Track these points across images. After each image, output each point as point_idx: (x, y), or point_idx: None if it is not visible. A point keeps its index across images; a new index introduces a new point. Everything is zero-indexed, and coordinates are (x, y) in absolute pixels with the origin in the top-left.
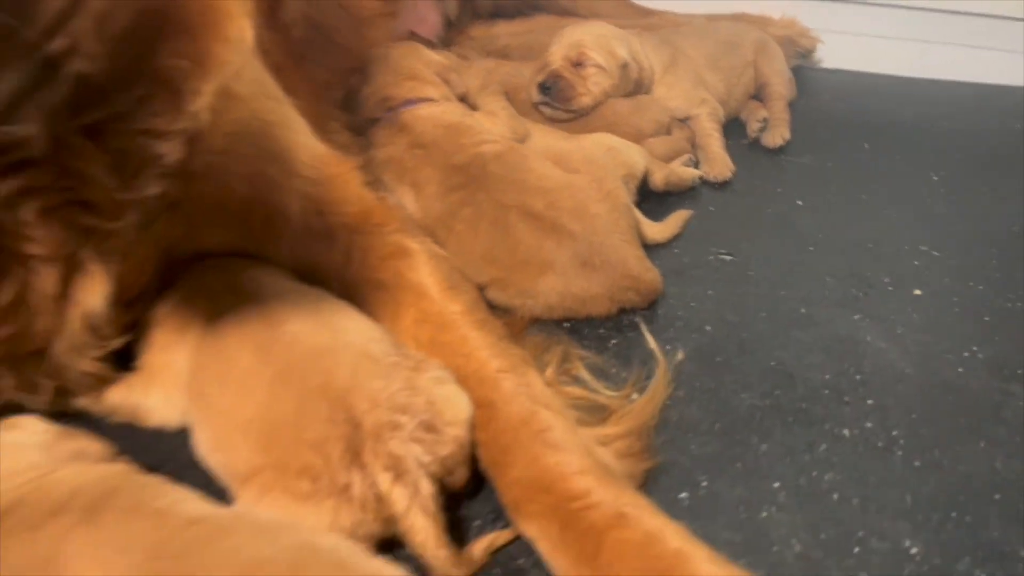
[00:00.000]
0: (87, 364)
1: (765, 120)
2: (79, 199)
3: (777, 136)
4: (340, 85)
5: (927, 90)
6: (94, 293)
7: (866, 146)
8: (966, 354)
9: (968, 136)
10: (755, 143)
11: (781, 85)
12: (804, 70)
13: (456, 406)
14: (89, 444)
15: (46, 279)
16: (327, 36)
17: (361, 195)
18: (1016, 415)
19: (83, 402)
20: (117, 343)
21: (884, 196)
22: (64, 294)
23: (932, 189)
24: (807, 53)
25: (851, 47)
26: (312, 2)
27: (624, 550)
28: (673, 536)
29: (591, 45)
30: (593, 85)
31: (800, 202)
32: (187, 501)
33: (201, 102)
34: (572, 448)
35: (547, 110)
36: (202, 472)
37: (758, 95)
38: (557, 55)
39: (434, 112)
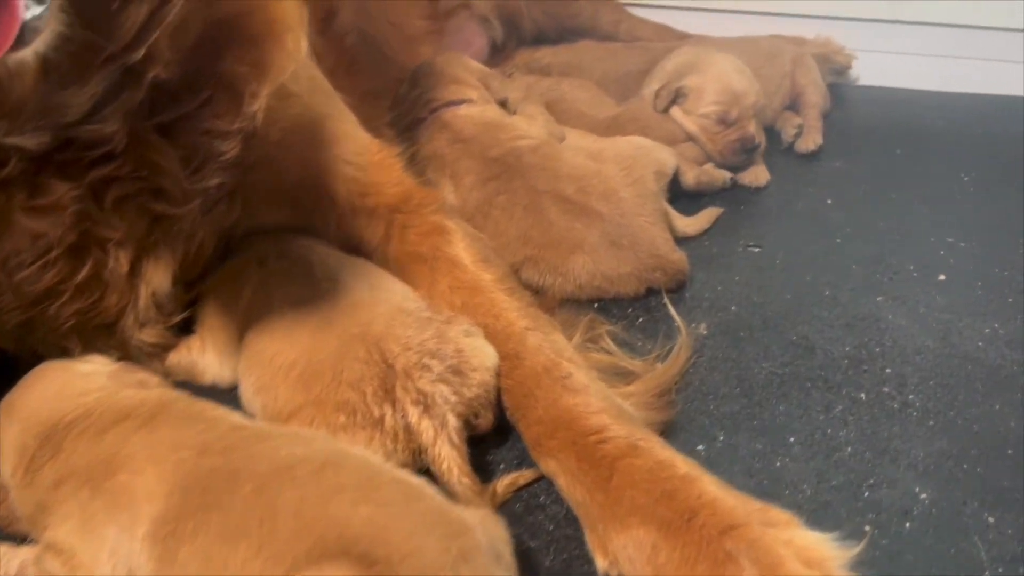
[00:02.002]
0: (151, 335)
1: (800, 127)
2: (151, 188)
3: (810, 141)
4: (388, 93)
5: (960, 102)
6: (161, 273)
7: (898, 151)
8: (987, 330)
9: (1000, 142)
10: (789, 150)
11: (816, 95)
12: (840, 87)
13: (482, 354)
14: (150, 377)
15: (119, 259)
16: (378, 48)
17: (402, 179)
18: None
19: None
20: (179, 318)
21: (914, 194)
22: (134, 273)
23: (962, 188)
24: (843, 70)
25: (886, 64)
26: (364, 17)
27: (635, 475)
28: (682, 464)
29: (755, 88)
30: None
31: (830, 200)
32: (233, 414)
33: (258, 104)
34: (592, 392)
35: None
36: None
37: (793, 105)
38: (749, 112)
39: (473, 112)
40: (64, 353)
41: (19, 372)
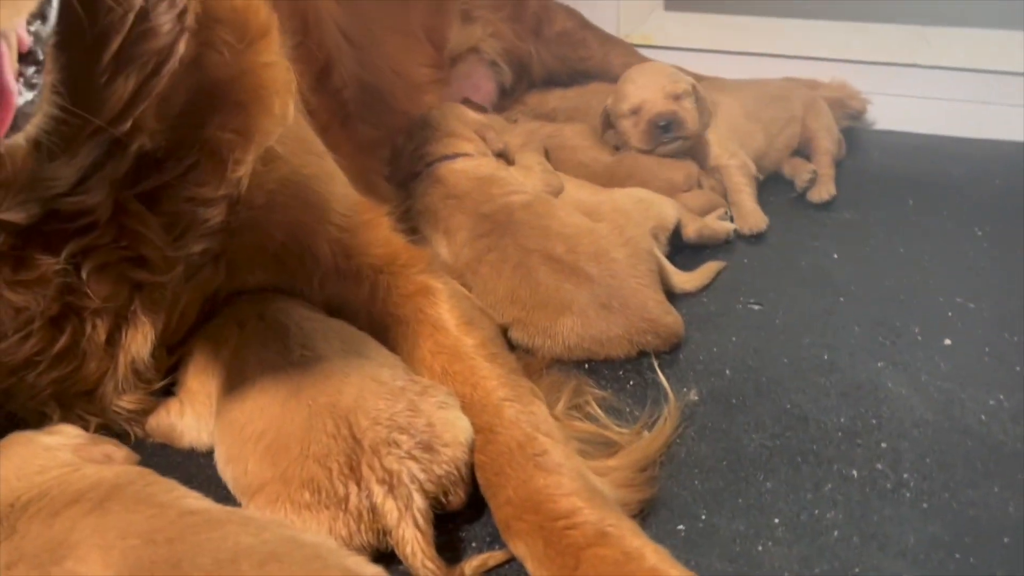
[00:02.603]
0: (130, 402)
1: (813, 174)
2: (132, 256)
3: (823, 191)
4: (389, 142)
5: (979, 149)
6: (141, 341)
7: (911, 202)
8: (992, 402)
9: (1018, 192)
10: (798, 199)
11: (828, 141)
12: (856, 131)
13: (455, 428)
14: (116, 449)
15: (97, 328)
16: (381, 98)
17: (389, 238)
18: None
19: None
20: (159, 384)
21: (924, 249)
22: (112, 342)
23: (975, 243)
24: (857, 115)
25: (903, 108)
26: (367, 67)
27: (600, 567)
28: (651, 555)
29: (671, 76)
30: (693, 112)
31: (836, 255)
32: (188, 497)
33: (244, 169)
34: (565, 472)
35: (665, 148)
36: (224, 488)
37: (805, 151)
38: (656, 95)
39: (468, 166)
40: (43, 419)
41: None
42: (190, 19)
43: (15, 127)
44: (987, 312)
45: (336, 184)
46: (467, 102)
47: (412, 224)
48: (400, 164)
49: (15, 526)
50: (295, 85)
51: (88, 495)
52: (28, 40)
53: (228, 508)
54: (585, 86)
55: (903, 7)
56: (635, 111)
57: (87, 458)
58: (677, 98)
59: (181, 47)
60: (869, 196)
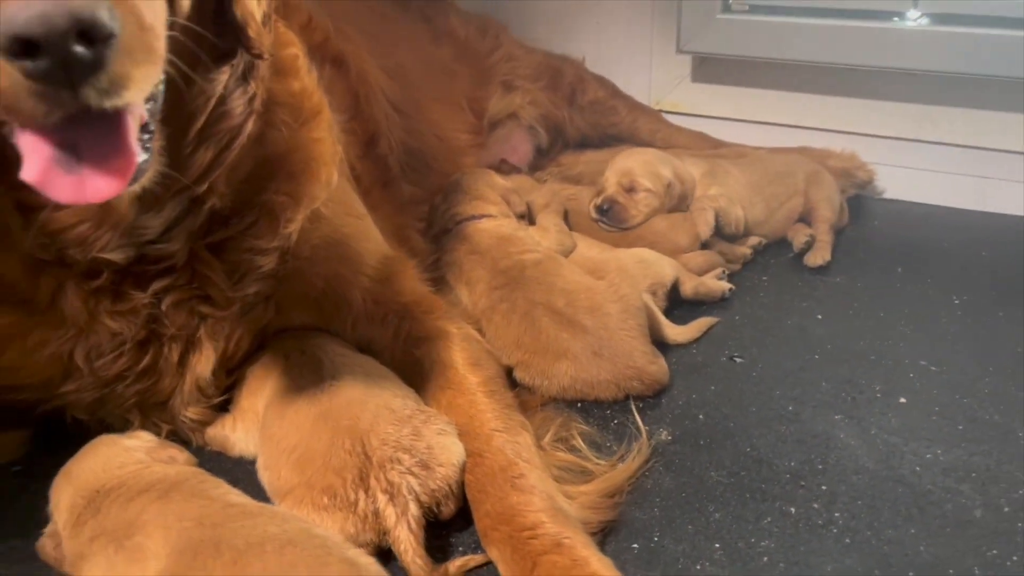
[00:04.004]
0: (194, 413)
1: (810, 238)
2: (200, 295)
3: (818, 257)
4: (428, 199)
5: (975, 220)
6: (204, 363)
7: (899, 270)
8: (928, 456)
9: (1004, 266)
10: (795, 262)
11: (827, 210)
12: (863, 199)
13: (450, 452)
14: (179, 453)
15: (172, 352)
16: (424, 162)
17: (413, 288)
18: (956, 510)
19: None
20: (218, 400)
21: (902, 314)
22: (183, 363)
23: (950, 311)
24: (864, 184)
25: (907, 180)
26: (412, 134)
27: (553, 570)
28: (595, 563)
29: (640, 172)
30: (644, 206)
31: (819, 316)
32: (231, 494)
33: (292, 227)
34: (536, 493)
35: (603, 227)
36: (262, 490)
37: (807, 219)
38: (611, 181)
39: (490, 226)
40: (126, 424)
41: (90, 434)
42: (258, 103)
43: (133, 180)
44: (946, 375)
45: (371, 242)
46: (504, 163)
47: (441, 274)
48: (434, 221)
49: (100, 507)
50: (340, 157)
51: (156, 487)
52: (145, 114)
53: (261, 503)
54: (615, 148)
55: (911, 87)
56: (599, 190)
57: (156, 458)
58: (630, 191)
59: (249, 126)
60: (862, 262)
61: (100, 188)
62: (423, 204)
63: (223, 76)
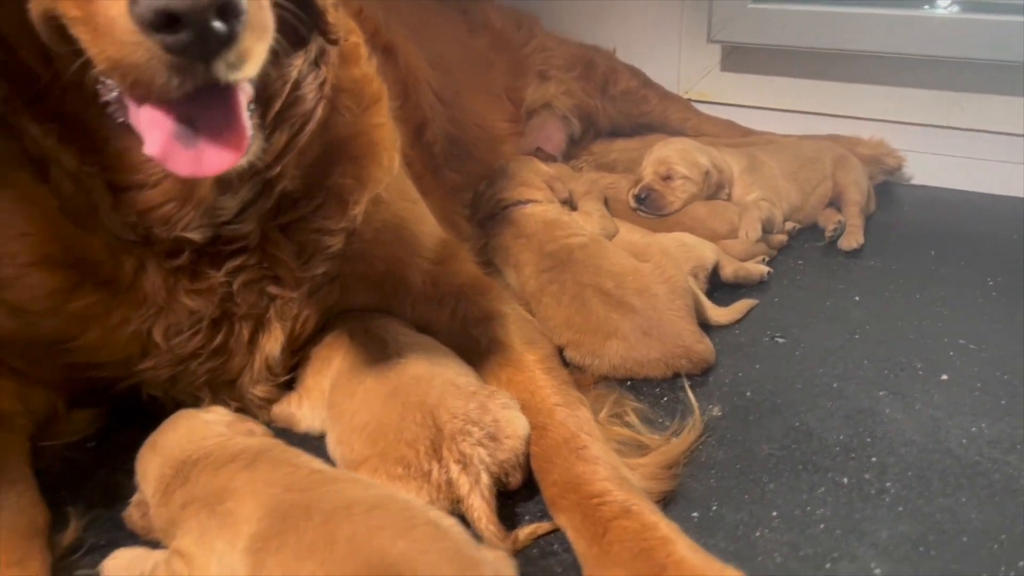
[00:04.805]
0: (262, 391)
1: (839, 224)
2: (271, 275)
3: (852, 240)
4: (471, 187)
5: (1003, 205)
6: (273, 342)
7: (932, 253)
8: (973, 429)
9: None
10: (830, 247)
11: (856, 193)
12: (892, 186)
13: (515, 425)
14: (256, 426)
15: (243, 330)
16: (465, 150)
17: (469, 270)
18: (1004, 480)
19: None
20: (285, 378)
21: (938, 295)
22: (252, 342)
23: (985, 292)
24: (893, 171)
25: (936, 166)
26: (454, 124)
27: (623, 534)
28: (665, 528)
29: (676, 160)
30: (681, 193)
31: (857, 297)
32: (314, 461)
33: (358, 209)
34: (601, 463)
35: (642, 215)
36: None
37: (836, 203)
38: (648, 170)
39: (536, 211)
40: (197, 401)
41: (164, 411)
42: (328, 88)
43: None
44: (985, 353)
45: (427, 225)
46: (539, 151)
47: (487, 258)
48: (479, 207)
49: (188, 476)
50: (400, 142)
51: (241, 456)
52: (251, 91)
53: (342, 471)
54: (645, 137)
55: (940, 74)
56: (637, 179)
57: (236, 431)
58: (667, 178)
59: (320, 111)
60: (895, 246)
61: (216, 161)
62: (466, 192)
63: (298, 61)
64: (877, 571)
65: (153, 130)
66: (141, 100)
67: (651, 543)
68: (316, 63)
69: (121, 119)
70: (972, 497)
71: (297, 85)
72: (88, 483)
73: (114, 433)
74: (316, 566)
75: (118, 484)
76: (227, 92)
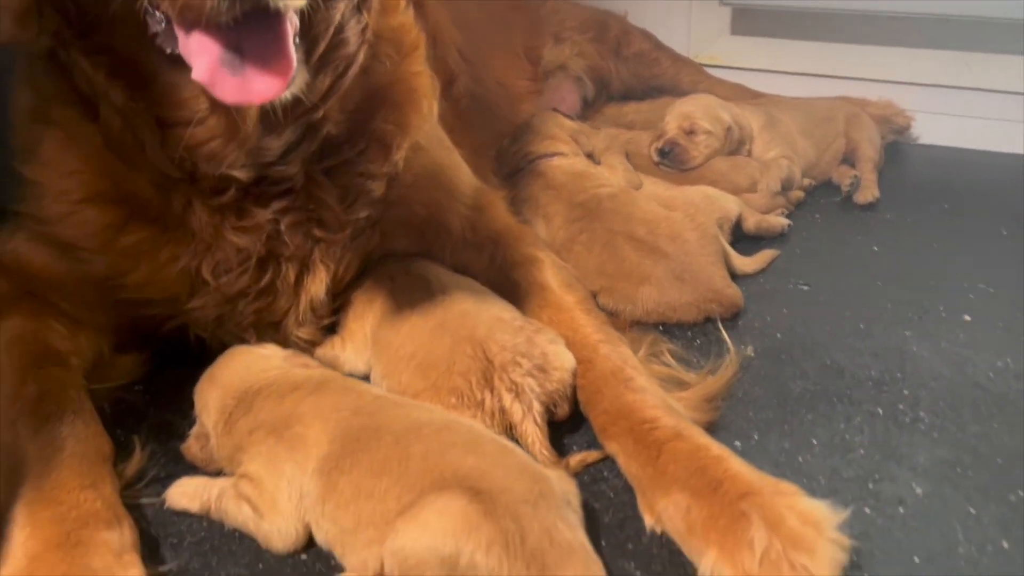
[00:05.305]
0: (306, 333)
1: (855, 179)
2: (316, 218)
3: (868, 194)
4: (493, 145)
5: (1011, 162)
6: (318, 284)
7: (945, 206)
8: (999, 364)
9: None
10: (845, 202)
11: (869, 149)
12: (900, 145)
13: (562, 358)
14: (311, 361)
15: (289, 272)
16: (487, 108)
17: (504, 217)
18: None
19: None
20: (328, 321)
21: (954, 244)
22: (298, 284)
23: (999, 240)
24: (902, 130)
25: (944, 126)
26: (478, 82)
27: (677, 455)
28: (715, 447)
29: (700, 115)
30: (704, 147)
31: (876, 248)
32: (375, 388)
33: (400, 154)
34: (649, 392)
35: (665, 169)
36: None
37: (850, 160)
38: (672, 125)
39: (563, 163)
40: (242, 343)
41: (209, 356)
42: (369, 33)
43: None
44: (1005, 296)
45: (463, 173)
46: (555, 112)
47: (516, 211)
48: (505, 161)
49: (251, 405)
50: (438, 90)
51: (305, 385)
52: (297, 24)
53: (402, 397)
54: (657, 100)
55: (946, 34)
56: (659, 133)
57: (292, 365)
58: (690, 133)
59: (361, 56)
60: (909, 201)
61: (262, 89)
62: (489, 148)
63: (342, 5)
64: (918, 491)
65: (201, 56)
66: (191, 25)
67: (705, 461)
68: (359, 8)
69: (169, 49)
70: (1004, 424)
71: (340, 29)
72: (141, 422)
73: (159, 377)
74: (392, 482)
75: (170, 423)
76: (275, 20)
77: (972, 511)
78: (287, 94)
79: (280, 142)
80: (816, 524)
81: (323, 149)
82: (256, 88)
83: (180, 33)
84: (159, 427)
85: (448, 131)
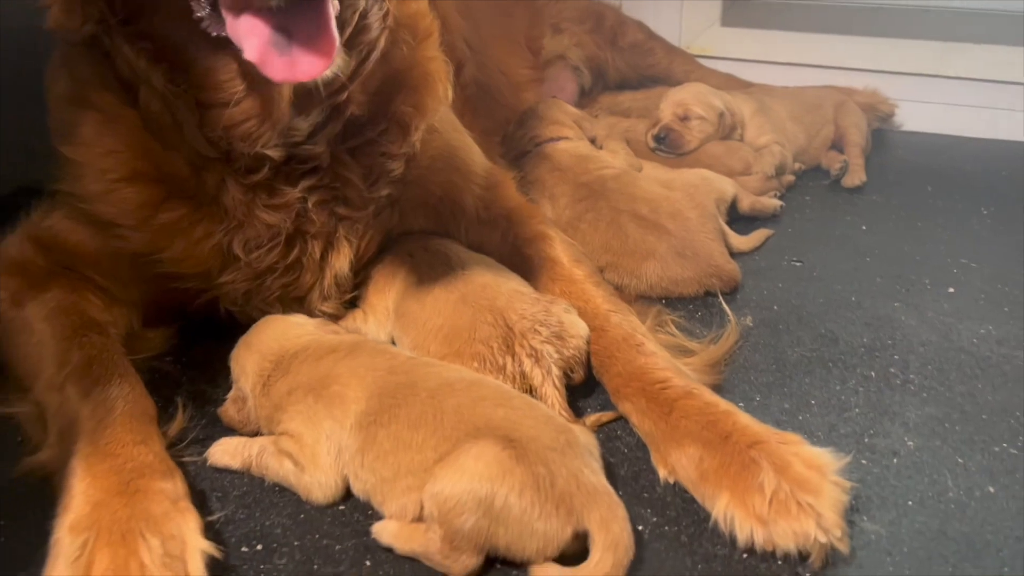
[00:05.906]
0: (329, 307)
1: (844, 163)
2: (340, 196)
3: (855, 178)
4: (498, 130)
5: (991, 148)
6: (342, 260)
7: (929, 188)
8: (982, 331)
9: (1020, 183)
10: (834, 185)
11: (857, 135)
12: (885, 132)
13: (577, 326)
14: (340, 328)
15: (315, 248)
16: (491, 95)
17: (515, 197)
18: (1014, 370)
19: None
20: (350, 296)
21: (938, 223)
22: (323, 259)
23: (980, 220)
24: (886, 118)
25: (927, 113)
26: (482, 70)
27: (688, 411)
28: (725, 404)
29: (693, 101)
30: (698, 132)
31: (864, 227)
32: (405, 351)
33: (417, 135)
34: (659, 356)
35: (661, 154)
36: None
37: (838, 146)
38: (667, 112)
39: (568, 147)
40: None
41: (237, 330)
42: (390, 19)
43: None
44: (986, 270)
45: (476, 155)
46: (558, 99)
47: (523, 192)
48: (511, 146)
49: (289, 367)
50: (452, 75)
51: (339, 348)
52: (338, 6)
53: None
54: (651, 89)
55: (929, 25)
56: (655, 120)
57: (323, 332)
58: (684, 119)
59: (383, 41)
60: (894, 184)
61: (308, 67)
62: (494, 134)
63: None
64: (910, 443)
65: (251, 38)
66: (240, 9)
67: (715, 416)
68: None
69: (215, 32)
70: (987, 384)
71: (364, 15)
72: (177, 390)
73: (188, 350)
74: (429, 433)
75: (203, 391)
76: (319, 2)
77: (960, 460)
78: (328, 72)
79: (307, 124)
80: (820, 468)
81: (347, 129)
82: (303, 67)
83: (228, 17)
84: (194, 394)
85: (458, 115)
